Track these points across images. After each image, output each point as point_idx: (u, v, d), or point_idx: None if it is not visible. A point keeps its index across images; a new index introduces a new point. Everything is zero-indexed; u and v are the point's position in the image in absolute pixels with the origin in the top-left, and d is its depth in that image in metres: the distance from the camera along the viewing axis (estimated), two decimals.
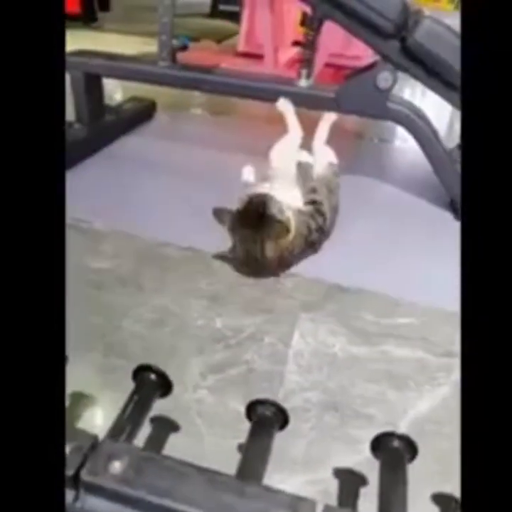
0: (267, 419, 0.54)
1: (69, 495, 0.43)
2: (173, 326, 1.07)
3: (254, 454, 0.51)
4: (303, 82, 1.52)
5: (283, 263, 1.20)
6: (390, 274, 1.28)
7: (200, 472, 0.45)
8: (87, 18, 3.79)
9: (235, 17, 4.15)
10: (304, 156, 1.40)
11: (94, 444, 0.45)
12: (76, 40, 3.39)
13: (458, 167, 1.46)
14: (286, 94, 1.47)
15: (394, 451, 0.53)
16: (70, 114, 1.79)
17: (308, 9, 2.99)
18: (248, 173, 1.36)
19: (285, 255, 1.18)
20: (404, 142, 2.14)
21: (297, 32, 3.24)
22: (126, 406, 0.56)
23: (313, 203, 1.26)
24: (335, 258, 1.30)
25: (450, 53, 1.31)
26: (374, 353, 1.04)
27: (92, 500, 0.42)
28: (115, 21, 4.02)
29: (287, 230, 1.15)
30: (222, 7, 4.65)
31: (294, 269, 1.26)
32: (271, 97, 1.46)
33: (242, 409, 0.92)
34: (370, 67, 1.49)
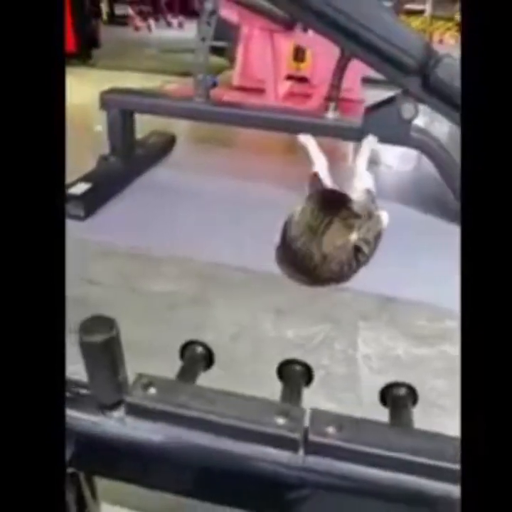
0: (401, 398, 0.65)
1: (293, 458, 0.53)
2: (251, 337, 1.17)
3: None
4: (331, 115, 1.67)
5: (326, 259, 1.29)
6: (427, 284, 1.41)
7: (394, 429, 0.57)
8: (83, 56, 3.91)
9: (222, 52, 4.31)
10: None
11: (311, 414, 0.55)
12: (75, 78, 3.50)
13: None
14: (317, 126, 1.61)
15: None
16: (105, 148, 1.90)
17: (303, 44, 3.18)
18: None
19: (332, 252, 1.28)
20: (405, 166, 2.31)
21: (290, 67, 3.44)
22: (283, 396, 0.66)
23: (358, 249, 1.34)
24: (377, 274, 1.43)
25: None
26: (434, 353, 1.16)
27: (314, 459, 0.52)
28: (108, 58, 4.15)
29: (354, 222, 1.24)
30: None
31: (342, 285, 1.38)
32: (303, 129, 1.60)
33: (330, 406, 1.02)
34: (391, 100, 1.65)
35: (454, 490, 0.51)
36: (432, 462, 0.51)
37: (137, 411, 0.56)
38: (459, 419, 0.83)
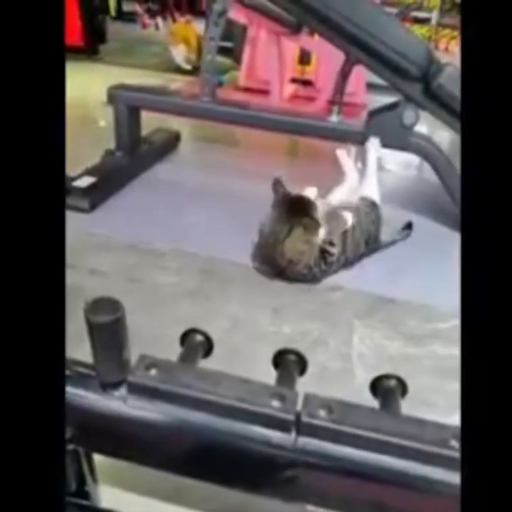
0: (391, 390, 0.68)
1: (288, 439, 0.56)
2: (248, 332, 1.20)
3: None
4: (334, 118, 1.70)
5: (291, 263, 1.36)
6: (423, 286, 1.45)
7: (383, 413, 0.60)
8: (90, 51, 3.94)
9: (229, 53, 4.34)
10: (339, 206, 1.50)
11: (304, 397, 0.58)
12: (80, 72, 3.53)
13: None
14: (320, 129, 1.64)
15: None
16: (109, 143, 1.93)
17: (309, 47, 3.20)
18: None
19: (296, 256, 1.35)
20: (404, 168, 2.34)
21: (295, 70, 3.47)
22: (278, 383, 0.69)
23: (324, 251, 1.37)
24: (373, 274, 1.47)
25: None
26: (425, 352, 1.19)
27: (307, 440, 0.55)
28: (114, 54, 4.18)
29: (316, 228, 1.33)
30: None
31: (337, 283, 1.42)
32: (307, 131, 1.64)
33: None
34: (393, 105, 1.68)
35: (437, 472, 0.54)
36: (418, 446, 0.54)
37: (138, 390, 0.59)
38: (446, 415, 0.87)
